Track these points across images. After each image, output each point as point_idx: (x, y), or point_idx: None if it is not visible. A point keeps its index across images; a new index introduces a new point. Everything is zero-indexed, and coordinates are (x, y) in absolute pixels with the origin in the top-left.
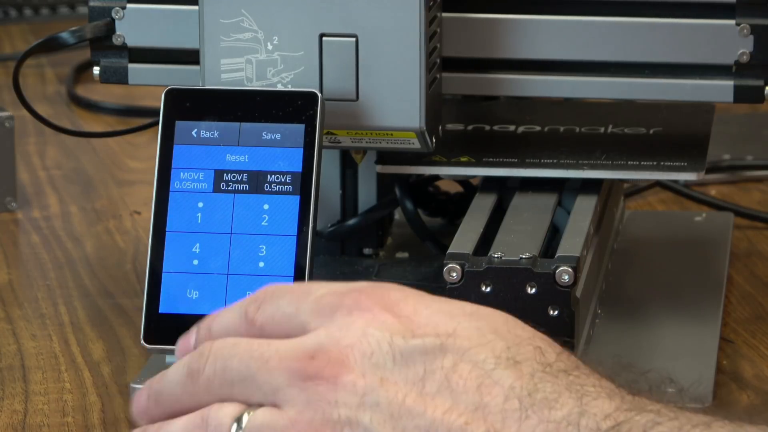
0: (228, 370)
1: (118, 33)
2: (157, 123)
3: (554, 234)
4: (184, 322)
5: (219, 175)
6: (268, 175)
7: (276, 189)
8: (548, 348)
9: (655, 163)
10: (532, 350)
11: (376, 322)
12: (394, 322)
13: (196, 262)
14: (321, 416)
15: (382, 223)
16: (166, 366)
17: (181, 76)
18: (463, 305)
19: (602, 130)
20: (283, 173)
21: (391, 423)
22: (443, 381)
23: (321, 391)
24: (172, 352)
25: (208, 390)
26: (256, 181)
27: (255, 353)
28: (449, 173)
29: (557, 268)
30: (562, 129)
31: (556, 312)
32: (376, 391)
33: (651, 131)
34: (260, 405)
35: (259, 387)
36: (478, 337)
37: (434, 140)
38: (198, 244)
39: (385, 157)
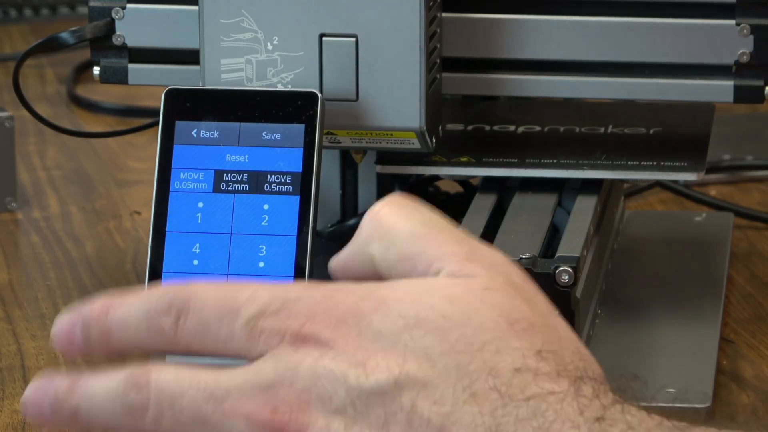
0: (177, 410)
1: (118, 33)
2: (157, 123)
3: (554, 234)
4: None
5: (219, 175)
6: (268, 175)
7: (276, 189)
8: (501, 366)
9: (655, 163)
10: (485, 376)
11: (324, 359)
12: (342, 356)
13: (196, 262)
14: None
15: None
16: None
17: (181, 76)
18: (409, 306)
19: (602, 130)
20: (283, 173)
21: None
22: (405, 425)
23: None
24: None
25: (155, 428)
26: (256, 181)
27: (205, 392)
28: (449, 173)
29: (557, 268)
30: (562, 129)
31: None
32: None
33: (651, 131)
34: None
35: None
36: (429, 367)
37: (434, 140)
38: (198, 244)
39: (385, 157)
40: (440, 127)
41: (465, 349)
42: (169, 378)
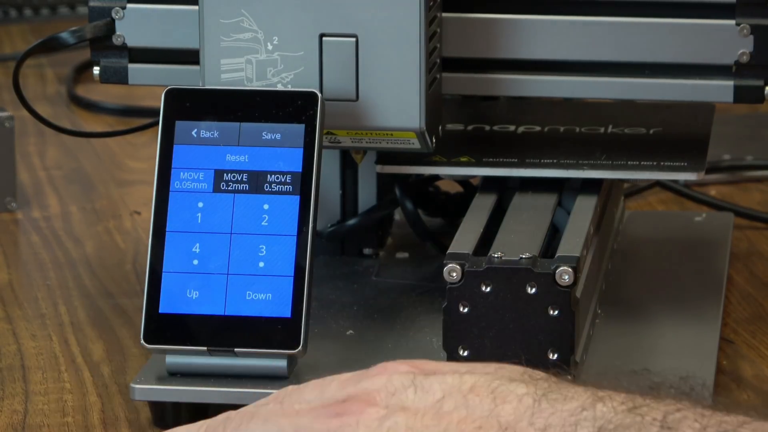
0: (253, 418)
1: (118, 33)
2: (157, 123)
3: (554, 234)
4: (184, 322)
5: (219, 175)
6: (268, 175)
7: (276, 189)
8: (562, 379)
9: (655, 163)
10: (546, 376)
11: (399, 372)
12: (417, 371)
13: (196, 262)
14: None
15: (382, 223)
16: (167, 366)
17: (181, 76)
18: (484, 366)
19: (602, 130)
20: (283, 173)
21: None
22: (461, 400)
23: (345, 421)
24: (172, 352)
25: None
26: (256, 181)
27: (284, 407)
28: (449, 173)
29: (557, 268)
30: (562, 129)
31: (556, 312)
32: (397, 415)
33: (651, 131)
34: None
35: (281, 430)
36: (494, 371)
37: (434, 140)
38: (198, 244)
39: (385, 157)
40: (440, 127)
41: (525, 374)
42: (250, 406)
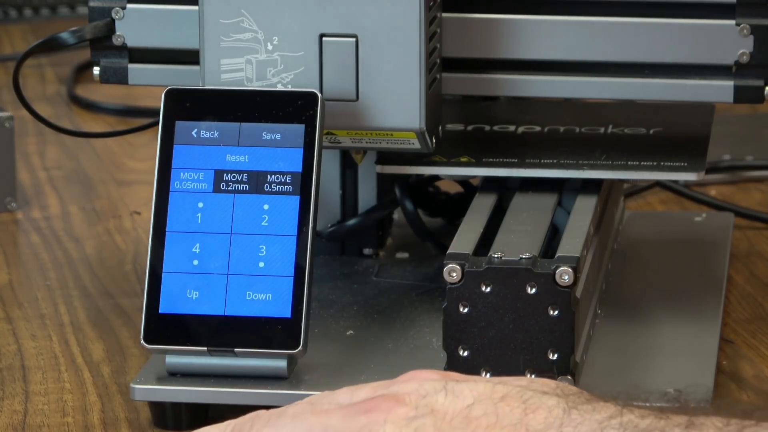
0: (281, 416)
1: (118, 33)
2: (157, 123)
3: (554, 234)
4: (184, 322)
5: (219, 175)
6: (268, 175)
7: (276, 189)
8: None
9: (655, 163)
10: (578, 391)
11: (431, 378)
12: (448, 379)
13: (196, 262)
14: None
15: (382, 223)
16: (167, 366)
17: (181, 76)
18: (516, 378)
19: (602, 130)
20: (283, 173)
21: None
22: (491, 407)
23: (372, 417)
24: (172, 352)
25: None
26: (256, 181)
27: (314, 407)
28: (449, 173)
29: (557, 268)
30: (562, 129)
31: (556, 312)
32: (425, 416)
33: (651, 131)
34: None
35: (310, 428)
36: (527, 384)
37: (434, 140)
38: (198, 244)
39: (385, 157)
40: (440, 127)
41: (558, 387)
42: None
